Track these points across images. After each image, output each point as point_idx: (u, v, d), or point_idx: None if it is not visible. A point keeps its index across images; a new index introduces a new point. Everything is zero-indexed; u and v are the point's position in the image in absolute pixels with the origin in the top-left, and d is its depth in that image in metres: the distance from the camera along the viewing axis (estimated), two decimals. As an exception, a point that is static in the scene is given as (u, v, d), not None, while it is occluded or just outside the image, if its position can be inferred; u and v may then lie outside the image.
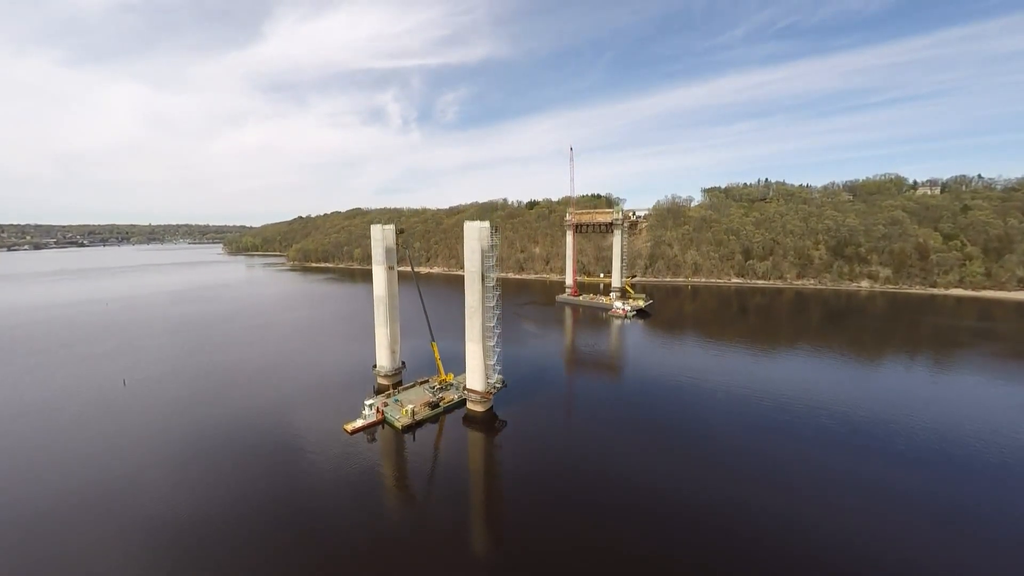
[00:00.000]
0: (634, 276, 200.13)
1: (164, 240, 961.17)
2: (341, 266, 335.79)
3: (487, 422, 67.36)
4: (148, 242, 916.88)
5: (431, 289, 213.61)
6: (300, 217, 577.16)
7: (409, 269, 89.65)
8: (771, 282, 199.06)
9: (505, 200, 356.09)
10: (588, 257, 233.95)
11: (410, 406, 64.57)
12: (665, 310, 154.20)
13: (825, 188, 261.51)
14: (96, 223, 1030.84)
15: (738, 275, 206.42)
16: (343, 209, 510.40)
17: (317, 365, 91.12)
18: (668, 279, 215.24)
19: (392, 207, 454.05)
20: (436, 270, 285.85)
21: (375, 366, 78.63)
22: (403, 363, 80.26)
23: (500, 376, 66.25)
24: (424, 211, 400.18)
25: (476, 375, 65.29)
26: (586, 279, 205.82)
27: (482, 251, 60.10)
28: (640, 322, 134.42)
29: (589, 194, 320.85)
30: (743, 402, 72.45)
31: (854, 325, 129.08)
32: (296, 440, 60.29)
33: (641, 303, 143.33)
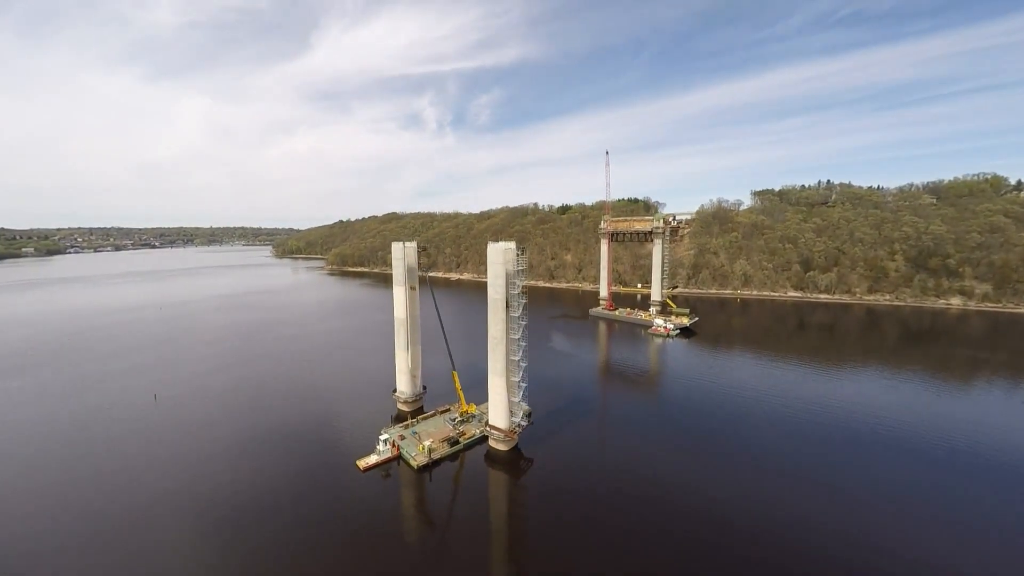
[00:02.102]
0: (675, 287, 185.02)
1: (223, 242, 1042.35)
2: (376, 270, 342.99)
3: (511, 462, 60.17)
4: (209, 244, 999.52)
5: (460, 297, 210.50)
6: (340, 221, 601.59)
7: (431, 283, 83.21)
8: (836, 296, 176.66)
9: (536, 205, 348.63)
10: (624, 265, 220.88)
11: (427, 442, 58.65)
12: (712, 327, 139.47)
13: (901, 190, 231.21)
14: (167, 226, 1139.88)
15: (796, 288, 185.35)
16: (380, 213, 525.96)
17: (339, 386, 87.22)
18: (714, 291, 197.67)
19: (426, 211, 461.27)
20: (466, 276, 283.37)
21: (395, 390, 73.78)
22: (424, 387, 74.90)
23: (526, 410, 58.82)
24: (456, 215, 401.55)
25: (499, 411, 58.26)
26: (622, 289, 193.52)
27: (507, 275, 53.04)
28: (684, 341, 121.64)
29: (626, 198, 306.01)
30: (811, 442, 60.22)
31: (940, 350, 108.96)
32: (305, 476, 55.97)
33: (685, 320, 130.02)
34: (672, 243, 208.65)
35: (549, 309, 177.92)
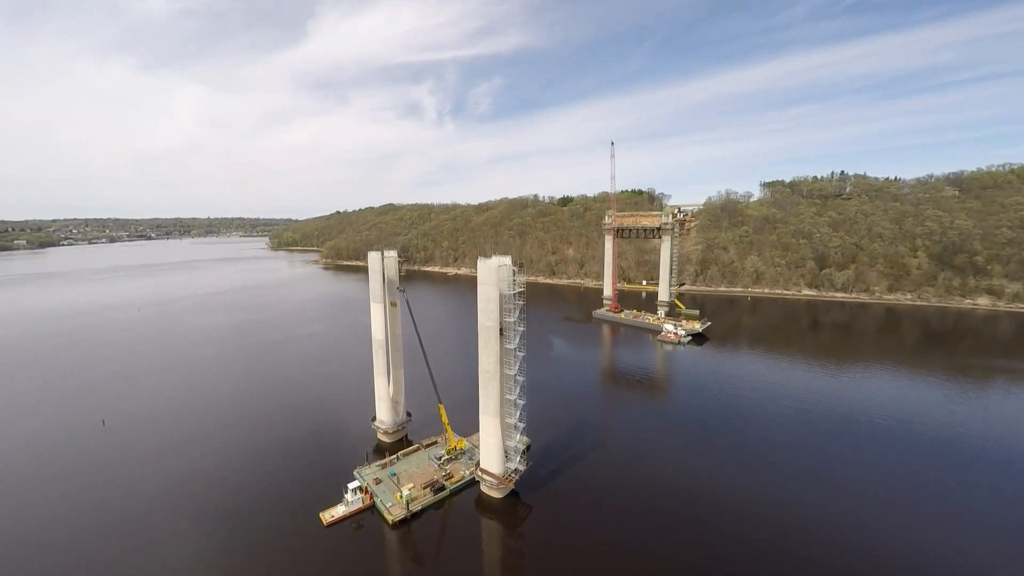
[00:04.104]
0: (682, 284, 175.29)
1: (219, 233, 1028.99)
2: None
3: (506, 509, 51.51)
4: (206, 235, 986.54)
5: (458, 294, 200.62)
6: (337, 212, 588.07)
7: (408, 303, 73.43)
8: (853, 295, 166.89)
9: (536, 196, 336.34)
10: (628, 261, 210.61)
11: (406, 490, 49.77)
12: (724, 330, 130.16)
13: (920, 182, 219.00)
14: (164, 217, 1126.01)
15: (810, 286, 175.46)
16: (377, 204, 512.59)
17: (313, 411, 76.12)
18: (723, 289, 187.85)
19: (423, 203, 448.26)
20: (464, 271, 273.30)
21: (374, 419, 64.77)
22: (408, 414, 65.92)
23: (525, 443, 49.88)
24: (454, 207, 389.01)
25: (492, 456, 49.40)
26: (626, 286, 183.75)
27: (501, 298, 43.40)
28: (696, 348, 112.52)
29: (630, 189, 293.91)
30: (857, 463, 51.49)
31: (965, 352, 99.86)
32: (255, 533, 47.31)
33: (697, 326, 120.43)
34: (679, 236, 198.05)
35: (550, 309, 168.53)
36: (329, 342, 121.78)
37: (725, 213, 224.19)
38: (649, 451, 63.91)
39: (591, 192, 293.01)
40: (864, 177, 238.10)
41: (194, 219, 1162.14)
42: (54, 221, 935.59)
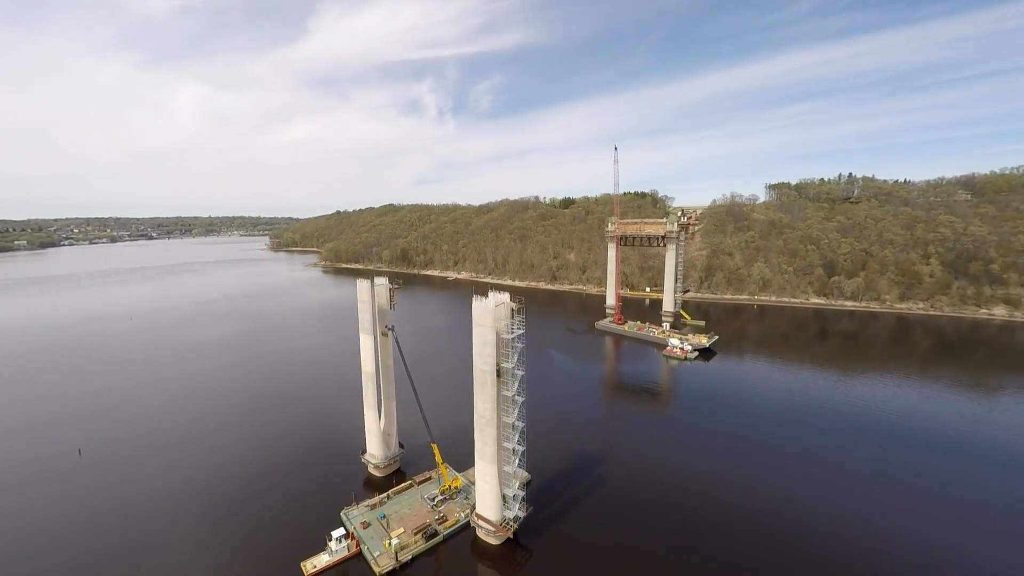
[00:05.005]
0: (687, 292, 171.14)
1: (221, 232, 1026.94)
2: (370, 267, 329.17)
3: (504, 556, 47.87)
4: (207, 234, 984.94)
5: (458, 301, 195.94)
6: (338, 212, 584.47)
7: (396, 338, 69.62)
8: (863, 304, 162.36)
9: (537, 198, 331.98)
10: (631, 266, 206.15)
11: (395, 538, 46.11)
12: (731, 339, 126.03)
13: (931, 184, 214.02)
14: (165, 215, 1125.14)
15: (819, 294, 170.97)
16: (378, 203, 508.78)
17: (301, 438, 72.10)
18: (729, 296, 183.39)
19: (423, 203, 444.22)
20: (464, 275, 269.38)
21: (364, 452, 61.03)
22: (401, 446, 62.18)
23: (522, 483, 45.91)
24: (455, 208, 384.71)
25: (488, 501, 45.68)
26: (629, 293, 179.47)
27: (498, 339, 39.46)
28: (704, 364, 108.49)
29: (632, 192, 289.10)
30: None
31: (981, 362, 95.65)
32: (238, 585, 43.78)
33: (704, 340, 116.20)
34: (684, 242, 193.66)
35: (550, 318, 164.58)
36: (320, 359, 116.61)
37: (730, 217, 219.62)
38: (657, 482, 60.09)
39: (592, 192, 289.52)
40: (873, 180, 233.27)
41: (195, 218, 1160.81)
42: (55, 220, 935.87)
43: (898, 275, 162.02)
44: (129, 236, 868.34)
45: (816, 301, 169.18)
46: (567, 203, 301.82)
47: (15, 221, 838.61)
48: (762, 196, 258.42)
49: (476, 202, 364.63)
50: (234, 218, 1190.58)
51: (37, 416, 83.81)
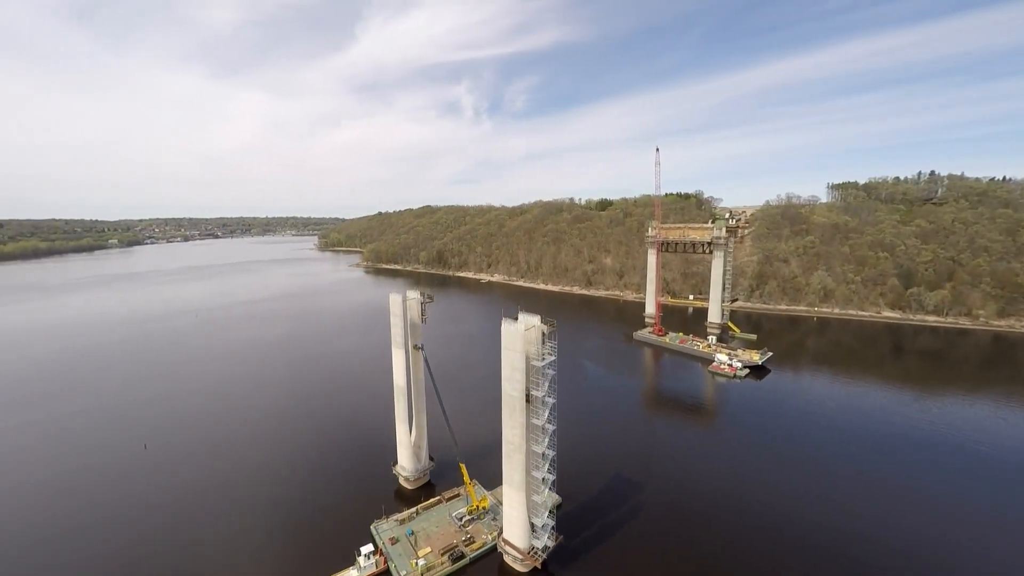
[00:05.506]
0: (735, 300, 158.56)
1: (275, 232, 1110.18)
2: (408, 268, 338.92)
3: (533, 586, 45.29)
4: (263, 233, 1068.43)
5: (491, 304, 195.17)
6: (380, 213, 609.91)
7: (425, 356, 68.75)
8: (950, 319, 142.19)
9: (572, 200, 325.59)
10: (673, 272, 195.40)
11: (422, 558, 45.05)
12: (787, 355, 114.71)
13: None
14: (229, 216, 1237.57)
15: (893, 307, 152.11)
16: (416, 203, 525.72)
17: (335, 446, 72.54)
18: (783, 307, 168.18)
19: (458, 204, 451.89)
20: (497, 278, 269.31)
21: (395, 463, 60.91)
22: (431, 459, 61.45)
23: (555, 502, 43.18)
24: (489, 209, 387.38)
25: (515, 528, 43.39)
26: (670, 301, 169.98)
27: (528, 364, 36.89)
28: (755, 382, 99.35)
29: (675, 192, 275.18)
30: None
31: None
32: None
33: (756, 356, 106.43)
34: (732, 247, 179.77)
35: (585, 327, 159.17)
36: (361, 362, 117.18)
37: (786, 220, 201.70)
38: (704, 512, 54.73)
39: (630, 192, 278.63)
40: (961, 178, 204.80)
41: (254, 218, 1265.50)
42: (140, 221, 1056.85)
43: (994, 287, 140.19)
44: (199, 235, 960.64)
45: (889, 315, 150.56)
46: (604, 205, 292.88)
47: (109, 222, 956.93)
48: (823, 197, 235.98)
49: (510, 202, 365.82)
50: (287, 218, 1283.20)
51: (113, 404, 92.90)
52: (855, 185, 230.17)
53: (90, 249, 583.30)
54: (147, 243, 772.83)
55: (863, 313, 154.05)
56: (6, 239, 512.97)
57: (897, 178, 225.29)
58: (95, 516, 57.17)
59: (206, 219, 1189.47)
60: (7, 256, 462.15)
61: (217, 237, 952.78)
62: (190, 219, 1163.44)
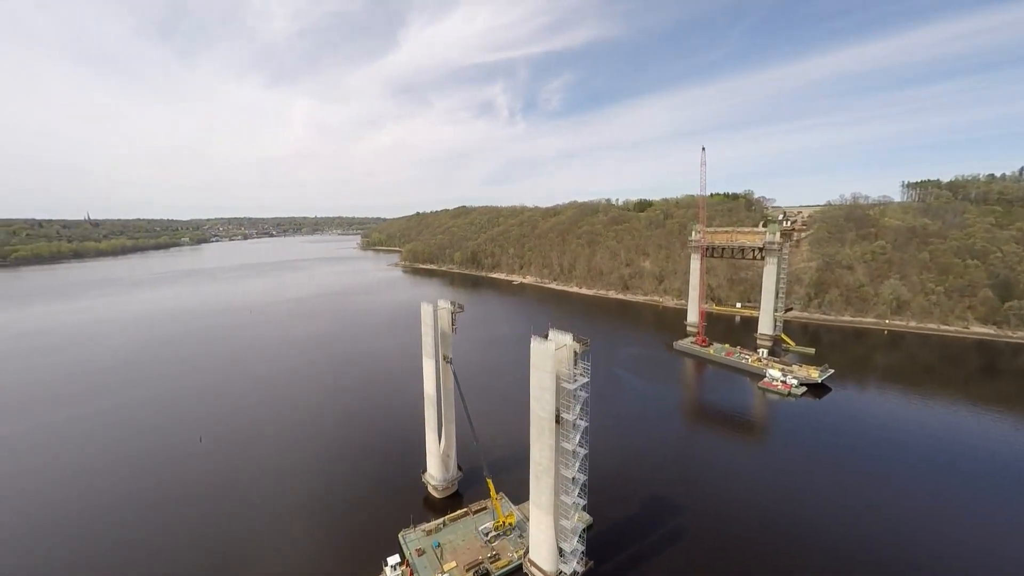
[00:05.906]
0: (789, 309, 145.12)
1: (323, 231, 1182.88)
2: (443, 268, 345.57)
3: (561, 612, 42.77)
4: (312, 233, 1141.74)
5: (524, 307, 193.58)
6: (418, 213, 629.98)
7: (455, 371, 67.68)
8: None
9: (608, 201, 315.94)
10: (718, 278, 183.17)
11: (447, 574, 44.05)
12: (852, 370, 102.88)
13: None
14: (282, 216, 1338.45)
15: (985, 321, 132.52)
16: (451, 202, 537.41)
17: (366, 451, 73.00)
18: (847, 318, 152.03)
19: (492, 205, 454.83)
20: (529, 279, 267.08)
21: (424, 471, 60.73)
22: (460, 468, 60.68)
23: (586, 522, 40.38)
24: (522, 210, 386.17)
25: (542, 550, 41.24)
26: (715, 308, 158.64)
27: (558, 385, 34.39)
28: (815, 400, 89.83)
29: (722, 192, 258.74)
30: None
31: None
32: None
33: (815, 374, 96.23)
34: (787, 251, 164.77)
35: (621, 333, 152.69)
36: (395, 364, 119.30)
37: (850, 222, 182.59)
38: (753, 541, 49.33)
39: (671, 192, 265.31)
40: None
41: (304, 218, 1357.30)
42: (207, 220, 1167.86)
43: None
44: (256, 234, 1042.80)
45: (980, 330, 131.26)
46: (642, 206, 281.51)
47: (182, 221, 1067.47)
48: (896, 196, 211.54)
49: (544, 203, 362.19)
50: (333, 218, 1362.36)
51: (168, 396, 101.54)
52: (937, 184, 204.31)
53: (166, 246, 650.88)
54: (213, 241, 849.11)
55: (946, 328, 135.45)
56: (101, 238, 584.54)
57: (991, 175, 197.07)
58: (149, 499, 61.81)
59: (263, 219, 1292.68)
60: (103, 252, 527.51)
61: (272, 236, 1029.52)
62: (249, 219, 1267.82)
